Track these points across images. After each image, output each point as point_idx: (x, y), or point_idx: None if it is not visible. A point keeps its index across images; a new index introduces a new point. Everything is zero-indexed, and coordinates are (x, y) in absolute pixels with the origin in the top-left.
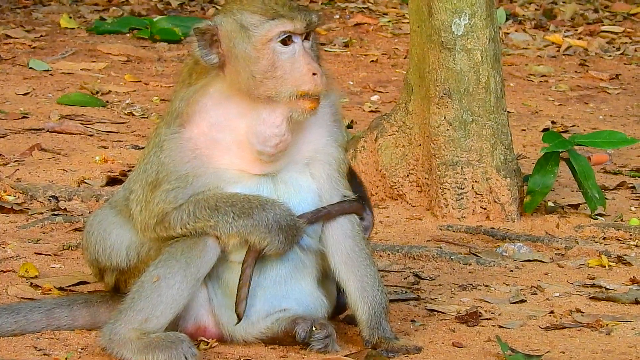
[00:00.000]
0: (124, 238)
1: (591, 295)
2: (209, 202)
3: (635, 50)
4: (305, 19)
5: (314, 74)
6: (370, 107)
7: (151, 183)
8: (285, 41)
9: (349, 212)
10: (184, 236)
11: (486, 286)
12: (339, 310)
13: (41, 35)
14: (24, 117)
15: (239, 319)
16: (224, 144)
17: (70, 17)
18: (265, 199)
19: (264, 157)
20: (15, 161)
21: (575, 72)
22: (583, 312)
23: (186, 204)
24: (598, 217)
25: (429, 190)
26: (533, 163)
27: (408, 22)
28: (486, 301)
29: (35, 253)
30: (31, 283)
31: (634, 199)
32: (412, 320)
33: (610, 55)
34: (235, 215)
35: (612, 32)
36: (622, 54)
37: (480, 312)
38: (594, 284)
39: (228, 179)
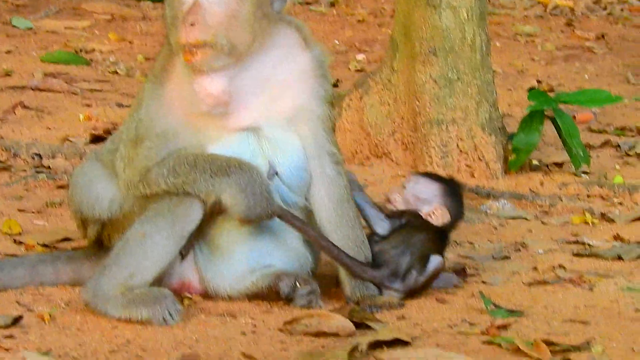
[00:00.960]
0: (108, 190)
1: (574, 252)
2: (188, 159)
3: (622, 10)
4: None
5: (191, 24)
6: (356, 66)
7: (132, 139)
8: None
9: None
10: (166, 193)
11: (470, 243)
12: None
13: None
14: (7, 75)
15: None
16: (196, 102)
17: None
18: (245, 162)
19: (217, 117)
20: None
21: (562, 31)
22: (566, 268)
23: (167, 160)
24: (582, 175)
25: (414, 148)
26: (518, 122)
27: None
28: (470, 257)
29: (18, 210)
30: (15, 240)
31: (618, 157)
32: None
33: (596, 15)
34: (213, 173)
35: None
36: (608, 13)
37: (465, 269)
38: (577, 241)
39: (209, 136)
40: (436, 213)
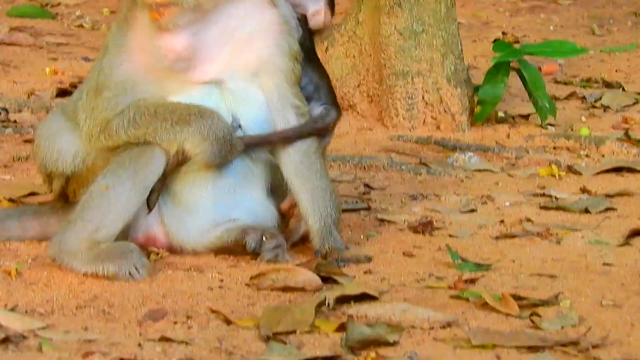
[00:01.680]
0: (72, 144)
1: (541, 205)
2: (149, 109)
3: None
4: None
5: None
6: None
7: (93, 88)
8: None
9: (308, 135)
10: (128, 144)
11: (436, 196)
12: None
13: None
14: None
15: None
16: (158, 52)
17: None
18: (205, 109)
19: (180, 71)
20: None
21: None
22: (533, 221)
23: (127, 110)
24: (548, 126)
25: (379, 100)
26: (484, 74)
27: None
28: (437, 211)
29: None
30: None
31: (584, 109)
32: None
33: None
34: (174, 122)
35: None
36: None
37: (432, 222)
38: (544, 194)
39: (171, 89)
40: (321, 13)
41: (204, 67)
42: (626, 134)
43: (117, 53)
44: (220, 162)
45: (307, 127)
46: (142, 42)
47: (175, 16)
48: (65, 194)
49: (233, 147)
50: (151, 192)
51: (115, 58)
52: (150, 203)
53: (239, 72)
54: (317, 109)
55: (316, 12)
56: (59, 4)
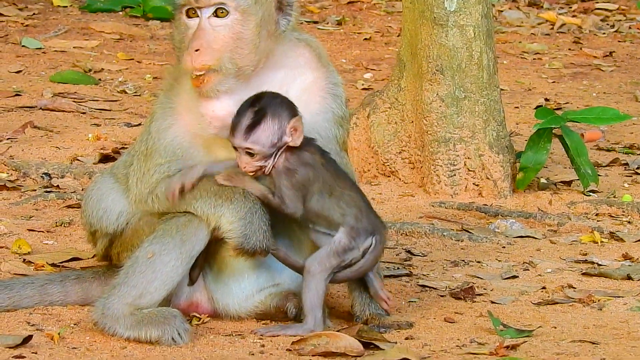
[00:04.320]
0: (118, 203)
1: (583, 271)
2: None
3: (629, 28)
4: None
5: (196, 50)
6: (363, 84)
7: (143, 152)
8: (189, 13)
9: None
10: (175, 212)
11: (478, 262)
12: None
13: (34, 14)
14: (16, 95)
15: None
16: (205, 119)
17: None
18: (251, 194)
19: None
20: (8, 139)
21: (569, 49)
22: (575, 288)
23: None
24: (591, 193)
25: (421, 166)
26: (526, 140)
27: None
28: (478, 277)
29: (28, 230)
30: (24, 259)
31: (626, 176)
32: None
33: (604, 33)
34: (217, 196)
35: (606, 10)
36: (616, 31)
37: (474, 288)
38: (586, 260)
39: (219, 154)
40: (295, 126)
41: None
42: None
43: (164, 118)
44: (248, 248)
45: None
46: (188, 108)
47: (216, 83)
48: (109, 257)
49: (264, 239)
50: (193, 267)
51: (162, 122)
52: (192, 277)
53: None
54: (366, 241)
55: (292, 131)
56: (102, 70)
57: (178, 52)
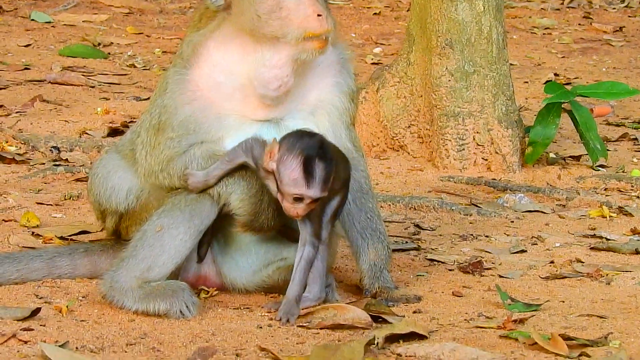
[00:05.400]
0: (125, 181)
1: (591, 246)
2: (211, 157)
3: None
4: None
5: (318, 15)
6: (372, 59)
7: (154, 126)
8: None
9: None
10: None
11: (487, 236)
12: None
13: None
14: (25, 69)
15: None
16: (226, 88)
17: None
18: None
19: (267, 100)
20: (17, 112)
21: (579, 24)
22: (583, 262)
23: (189, 153)
24: (599, 168)
25: (430, 141)
26: (535, 115)
27: None
28: (487, 251)
29: (36, 203)
30: (32, 232)
31: (635, 151)
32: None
33: (614, 8)
34: (228, 175)
35: None
36: (626, 6)
37: (482, 262)
38: (594, 235)
39: (230, 125)
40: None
41: (276, 103)
42: None
43: (182, 92)
44: (255, 226)
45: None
46: (210, 76)
47: (327, 47)
48: (118, 231)
49: (273, 218)
50: (201, 244)
51: (180, 94)
52: (201, 254)
53: (298, 110)
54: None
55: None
56: (111, 44)
57: (261, 22)
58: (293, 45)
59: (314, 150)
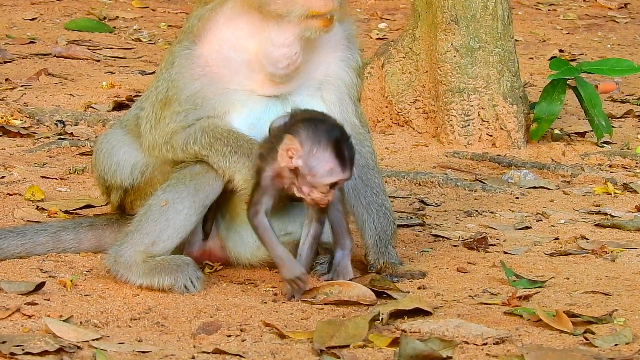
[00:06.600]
0: (130, 156)
1: (596, 223)
2: (214, 132)
3: None
4: None
5: None
6: (377, 34)
7: (161, 100)
8: None
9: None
10: (188, 161)
11: (491, 212)
12: None
13: None
14: (31, 42)
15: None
16: (234, 63)
17: None
18: None
19: (276, 78)
20: (22, 86)
21: (584, 0)
22: (588, 239)
23: (194, 127)
24: (604, 144)
25: (435, 116)
26: (540, 91)
27: None
28: (491, 227)
29: (41, 177)
30: (37, 206)
31: None
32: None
33: None
34: (234, 151)
35: None
36: None
37: (486, 238)
38: (599, 211)
39: (237, 100)
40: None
41: (285, 80)
42: None
43: (191, 67)
44: None
45: None
46: (219, 51)
47: (332, 26)
48: (123, 206)
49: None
50: (206, 220)
51: (188, 71)
52: (206, 231)
53: (305, 86)
54: None
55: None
56: (116, 18)
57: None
58: (297, 23)
59: (335, 134)
